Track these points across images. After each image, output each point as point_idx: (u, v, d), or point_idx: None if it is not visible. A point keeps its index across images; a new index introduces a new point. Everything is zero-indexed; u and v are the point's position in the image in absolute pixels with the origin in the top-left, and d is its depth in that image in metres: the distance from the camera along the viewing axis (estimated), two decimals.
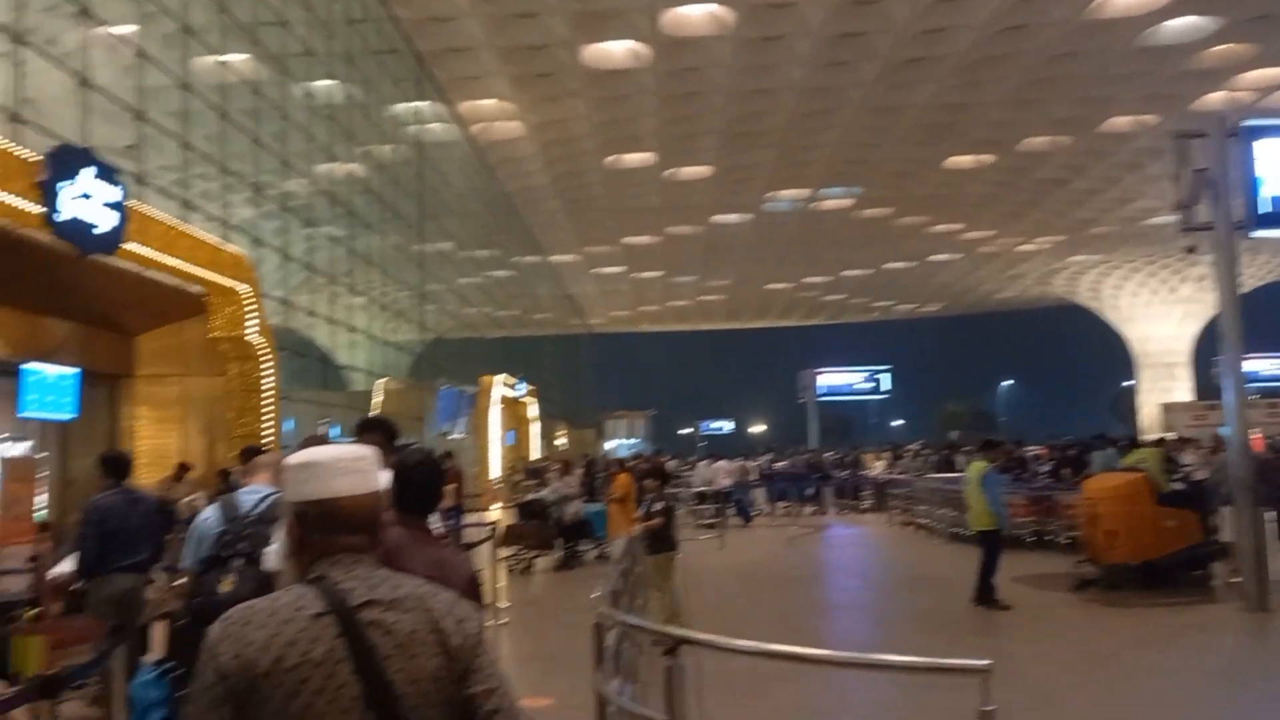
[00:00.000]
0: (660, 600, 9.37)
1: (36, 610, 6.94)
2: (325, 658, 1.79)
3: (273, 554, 4.13)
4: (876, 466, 27.69)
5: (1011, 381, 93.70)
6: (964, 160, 34.35)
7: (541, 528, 16.05)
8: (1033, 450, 27.40)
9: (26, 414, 12.35)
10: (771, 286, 58.67)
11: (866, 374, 69.07)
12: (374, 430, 4.53)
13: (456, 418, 30.78)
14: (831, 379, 67.74)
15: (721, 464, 25.69)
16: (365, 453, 2.09)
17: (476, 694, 1.89)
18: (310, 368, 23.33)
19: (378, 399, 24.89)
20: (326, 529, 1.95)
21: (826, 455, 33.29)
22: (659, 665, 7.72)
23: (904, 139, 31.81)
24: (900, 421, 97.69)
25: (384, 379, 26.94)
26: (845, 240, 46.09)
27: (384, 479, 2.25)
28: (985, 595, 11.04)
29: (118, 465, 7.04)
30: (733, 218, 42.43)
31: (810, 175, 36.39)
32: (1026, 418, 76.50)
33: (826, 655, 4.12)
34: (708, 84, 27.50)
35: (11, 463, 9.73)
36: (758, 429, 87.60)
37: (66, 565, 6.78)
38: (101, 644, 5.41)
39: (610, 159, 34.46)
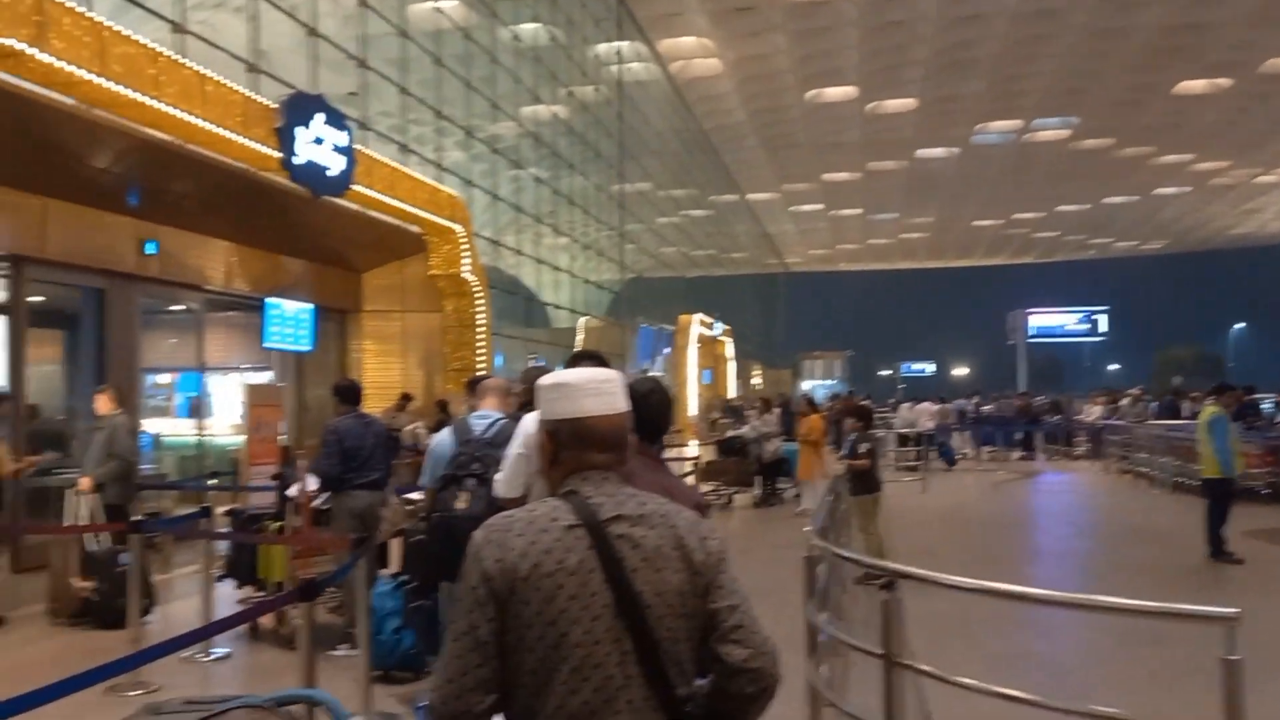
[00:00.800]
0: (865, 541, 9.30)
1: (279, 524, 7.54)
2: (578, 567, 1.88)
3: (500, 477, 4.32)
4: (1093, 412, 26.35)
5: (1244, 325, 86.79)
6: (1196, 85, 31.78)
7: (741, 465, 16.18)
8: (1269, 399, 25.41)
9: (269, 345, 13.38)
10: (978, 223, 56.31)
11: (1082, 315, 65.56)
12: (585, 362, 4.65)
13: (655, 355, 31.24)
14: (1044, 320, 64.72)
15: (924, 406, 25.10)
16: (613, 375, 2.16)
17: (719, 609, 1.94)
18: (516, 305, 24.15)
19: (580, 336, 25.56)
20: (577, 446, 2.04)
21: (1037, 399, 31.91)
22: (861, 602, 7.72)
23: (1128, 64, 29.67)
24: (1116, 366, 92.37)
25: (585, 317, 27.61)
26: (1060, 174, 43.62)
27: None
28: (1215, 547, 10.42)
29: (351, 392, 7.56)
30: (938, 152, 40.84)
31: (1023, 106, 34.53)
32: (1260, 364, 70.66)
33: (1053, 596, 3.96)
34: (914, 12, 26.41)
35: (256, 389, 10.59)
36: (961, 371, 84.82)
37: (308, 483, 7.36)
38: (345, 556, 5.85)
39: (810, 94, 33.71)
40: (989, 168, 42.71)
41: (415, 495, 7.63)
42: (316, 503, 7.32)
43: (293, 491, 7.42)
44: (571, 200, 27.75)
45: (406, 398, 14.44)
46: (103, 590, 7.65)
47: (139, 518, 7.30)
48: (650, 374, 16.98)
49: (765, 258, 61.67)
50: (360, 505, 7.10)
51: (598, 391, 2.07)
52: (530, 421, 4.23)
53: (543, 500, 2.04)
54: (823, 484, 14.71)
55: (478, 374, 9.01)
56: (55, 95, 8.75)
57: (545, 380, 2.15)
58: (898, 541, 10.16)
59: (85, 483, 8.21)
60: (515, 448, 4.26)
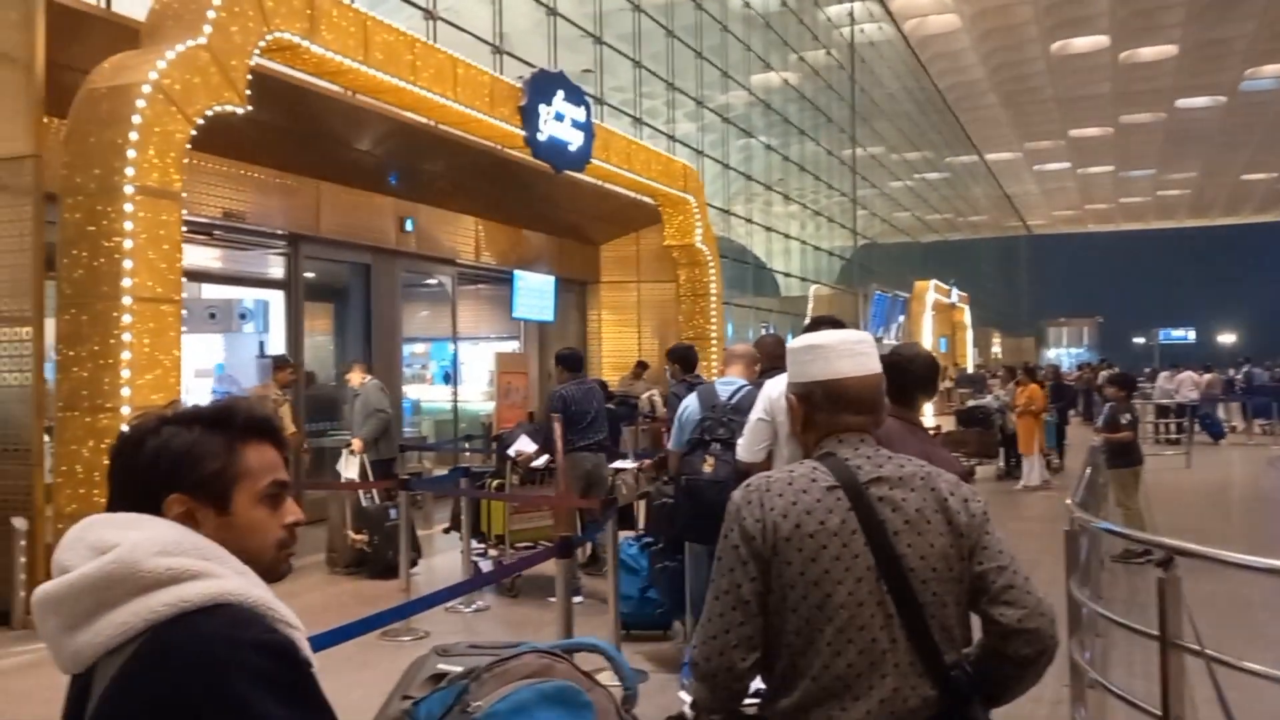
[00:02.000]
0: (1124, 517, 8.78)
1: (498, 481, 8.00)
2: (840, 528, 1.86)
3: (742, 442, 4.37)
4: None
5: None
6: None
7: (984, 436, 15.58)
8: None
9: (519, 315, 14.03)
10: (1248, 177, 51.47)
11: None
12: (826, 327, 4.61)
13: (889, 323, 30.50)
14: None
15: (1186, 375, 23.29)
16: (866, 337, 2.13)
17: (987, 570, 1.89)
18: (745, 274, 24.15)
19: (810, 304, 25.27)
20: (832, 408, 2.01)
21: None
22: (1121, 580, 7.28)
23: None
24: None
25: (816, 285, 27.27)
26: None
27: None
28: None
29: (574, 360, 8.04)
30: (1201, 101, 37.58)
31: None
32: None
33: None
34: None
35: (505, 357, 11.17)
36: (1226, 338, 78.11)
37: (525, 444, 7.79)
38: (599, 516, 6.08)
39: (1056, 45, 31.78)
40: (1261, 116, 38.91)
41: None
42: (537, 464, 7.68)
43: (512, 451, 7.81)
44: (802, 167, 27.40)
45: (642, 365, 14.77)
46: (375, 543, 8.29)
47: (405, 476, 7.85)
48: (912, 341, 16.54)
49: (1006, 220, 58.81)
50: (584, 467, 7.53)
51: (851, 353, 2.05)
52: (772, 387, 4.24)
53: (799, 461, 2.04)
54: (1038, 458, 14.06)
55: (682, 342, 9.24)
56: (324, 84, 9.47)
57: (798, 342, 2.14)
58: (1158, 519, 9.52)
59: (357, 444, 8.95)
60: (757, 413, 4.29)
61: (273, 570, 1.37)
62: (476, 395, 14.42)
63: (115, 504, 1.33)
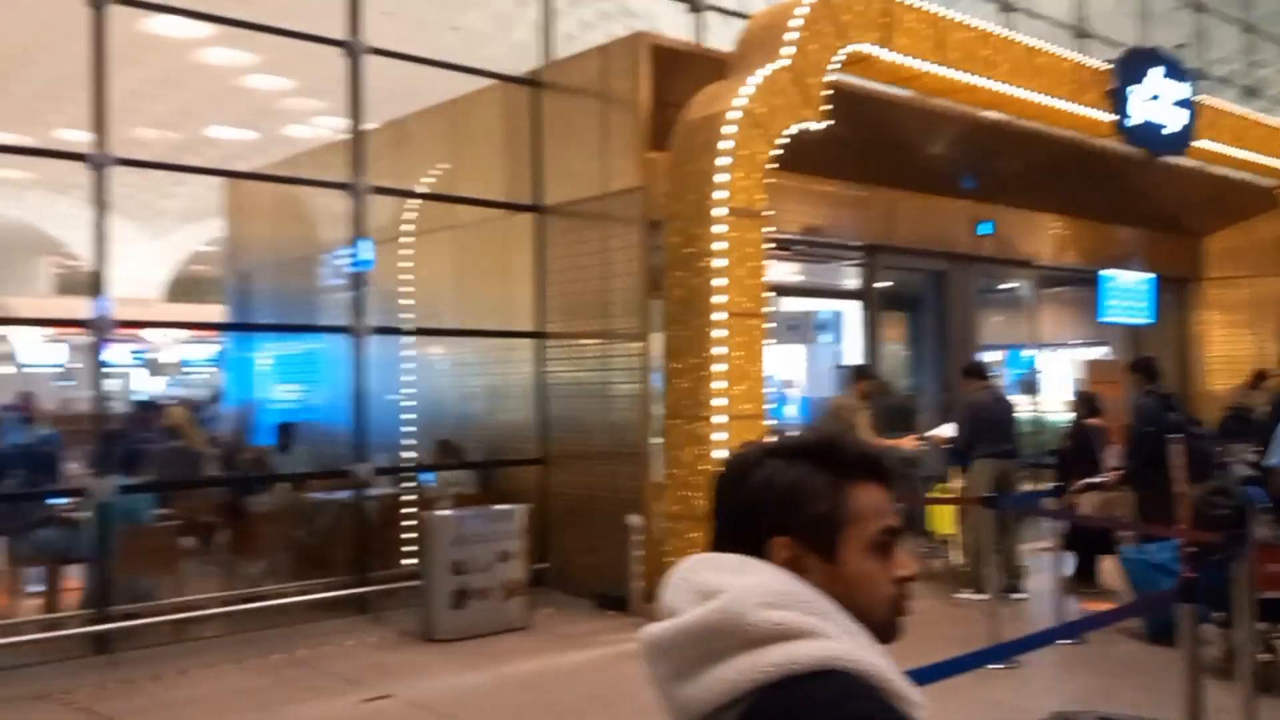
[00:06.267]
0: None
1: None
2: None
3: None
4: None
5: None
6: None
7: None
8: None
9: (1106, 319, 12.88)
10: None
11: None
12: None
13: None
14: None
15: None
16: None
17: None
18: None
19: None
20: None
21: None
22: None
23: None
24: None
25: None
26: None
27: None
28: None
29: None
30: None
31: None
32: None
33: None
34: None
35: (1095, 365, 10.23)
36: None
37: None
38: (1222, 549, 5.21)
39: None
40: None
41: None
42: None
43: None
44: None
45: (1261, 375, 12.72)
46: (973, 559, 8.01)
47: (992, 494, 7.49)
48: None
49: None
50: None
51: None
52: None
53: None
54: None
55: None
56: (895, 90, 9.39)
57: None
58: None
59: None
60: None
61: (885, 631, 1.24)
62: (1058, 405, 13.47)
63: (719, 541, 1.28)
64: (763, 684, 1.11)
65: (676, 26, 11.22)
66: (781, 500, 1.24)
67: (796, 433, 1.35)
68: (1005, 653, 4.87)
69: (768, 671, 1.11)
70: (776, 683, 1.10)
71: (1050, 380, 13.64)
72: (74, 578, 7.58)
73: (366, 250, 8.16)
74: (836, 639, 1.14)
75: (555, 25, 9.34)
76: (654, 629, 1.22)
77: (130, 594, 7.13)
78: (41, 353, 24.38)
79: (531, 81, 8.99)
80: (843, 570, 1.23)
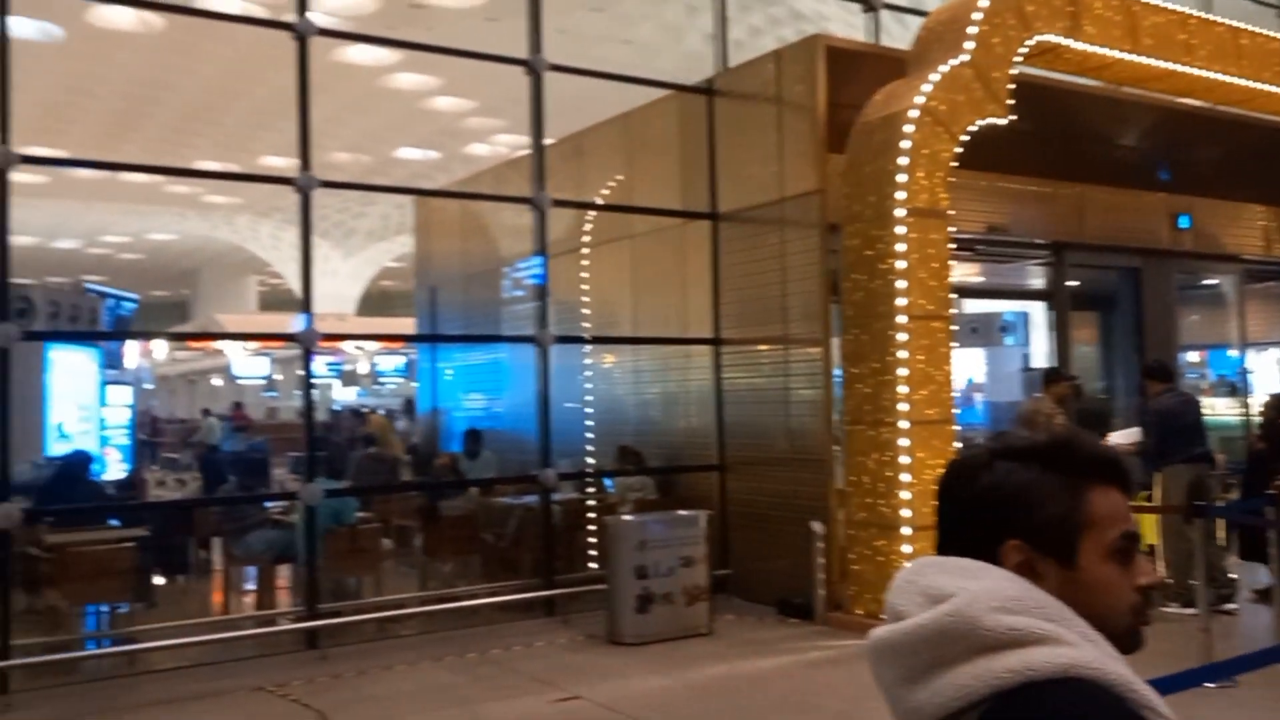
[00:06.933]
0: None
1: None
2: None
3: None
4: None
5: None
6: None
7: None
8: None
9: None
10: None
11: None
12: None
13: None
14: None
15: None
16: None
17: None
18: None
19: None
20: None
21: None
22: None
23: None
24: None
25: None
26: None
27: None
28: None
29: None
30: None
31: None
32: None
33: None
34: None
35: None
36: None
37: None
38: None
39: None
40: None
41: None
42: None
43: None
44: None
45: None
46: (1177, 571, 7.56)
47: (1200, 503, 7.08)
48: None
49: None
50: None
51: None
52: None
53: None
54: None
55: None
56: (1083, 81, 8.99)
57: None
58: None
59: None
60: None
61: (1126, 640, 1.18)
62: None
63: (945, 544, 1.25)
64: (999, 690, 1.08)
65: (848, 28, 11.10)
66: (1014, 503, 1.20)
67: (1021, 434, 1.31)
68: (1222, 671, 4.59)
69: (1004, 678, 1.08)
70: (1013, 689, 1.07)
71: (1261, 381, 12.76)
72: (284, 577, 8.11)
73: (544, 264, 8.40)
74: (1076, 645, 1.10)
75: (728, 33, 9.39)
76: (882, 632, 1.20)
77: (337, 593, 7.57)
78: (248, 365, 26.07)
79: (706, 90, 9.05)
80: (1082, 576, 1.18)
